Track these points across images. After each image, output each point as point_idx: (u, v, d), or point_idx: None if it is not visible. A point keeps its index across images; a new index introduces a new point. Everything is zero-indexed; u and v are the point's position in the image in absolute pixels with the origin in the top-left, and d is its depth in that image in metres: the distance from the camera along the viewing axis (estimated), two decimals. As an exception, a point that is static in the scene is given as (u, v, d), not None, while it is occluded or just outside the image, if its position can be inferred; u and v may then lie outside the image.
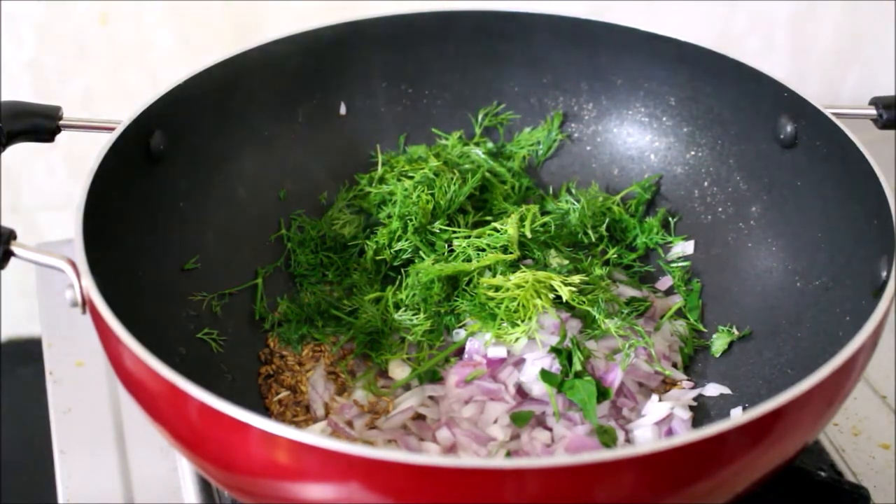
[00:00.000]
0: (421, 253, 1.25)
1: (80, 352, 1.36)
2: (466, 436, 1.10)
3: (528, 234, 1.23)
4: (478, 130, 1.41)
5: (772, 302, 1.22)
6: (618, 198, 1.35)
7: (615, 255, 1.30)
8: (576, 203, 1.32)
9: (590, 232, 1.30)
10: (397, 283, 1.25)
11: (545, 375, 1.13)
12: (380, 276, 1.27)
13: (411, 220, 1.26)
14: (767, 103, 1.24)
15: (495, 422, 1.11)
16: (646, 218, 1.35)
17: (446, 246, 1.25)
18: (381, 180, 1.34)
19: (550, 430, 1.11)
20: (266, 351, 1.22)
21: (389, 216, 1.29)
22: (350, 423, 1.13)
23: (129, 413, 1.29)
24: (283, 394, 1.17)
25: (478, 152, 1.36)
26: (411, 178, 1.30)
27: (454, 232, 1.26)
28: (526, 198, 1.37)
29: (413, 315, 1.20)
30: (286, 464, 0.85)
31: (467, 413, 1.12)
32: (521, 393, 1.14)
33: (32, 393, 1.39)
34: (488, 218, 1.29)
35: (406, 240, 1.25)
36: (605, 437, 1.09)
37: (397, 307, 1.21)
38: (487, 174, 1.34)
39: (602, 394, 1.12)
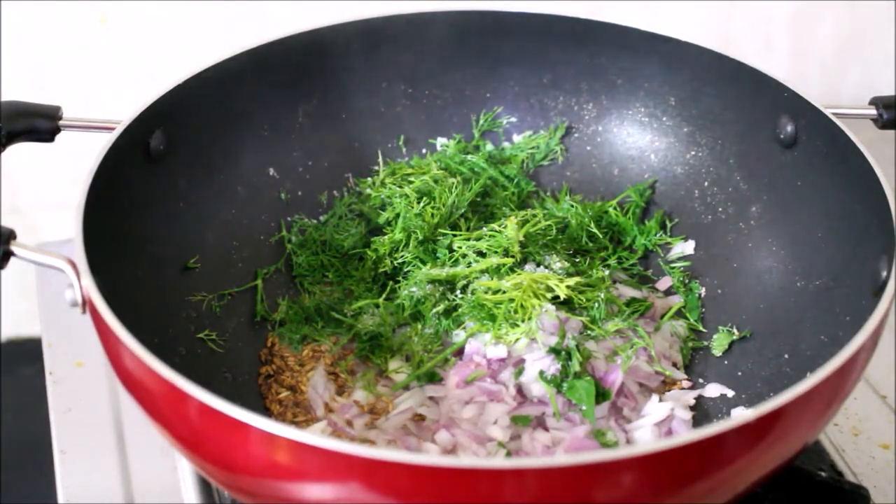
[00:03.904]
0: (420, 262, 1.25)
1: (80, 352, 1.36)
2: (466, 436, 1.10)
3: (524, 238, 1.23)
4: (476, 134, 1.41)
5: (772, 302, 1.22)
6: (615, 202, 1.35)
7: (615, 261, 1.30)
8: (576, 206, 1.32)
9: (594, 231, 1.30)
10: (389, 289, 1.25)
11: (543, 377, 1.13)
12: (378, 283, 1.27)
13: (415, 233, 1.26)
14: (767, 103, 1.24)
15: (495, 422, 1.11)
16: (645, 219, 1.35)
17: (448, 252, 1.25)
18: (382, 184, 1.34)
19: (551, 430, 1.11)
20: (266, 351, 1.22)
21: (389, 223, 1.29)
22: (350, 423, 1.13)
23: (129, 413, 1.29)
24: (284, 394, 1.17)
25: (481, 165, 1.36)
26: (412, 182, 1.30)
27: (455, 235, 1.26)
28: (526, 202, 1.37)
29: (412, 321, 1.21)
30: (286, 464, 0.85)
31: (467, 414, 1.12)
32: (522, 394, 1.14)
33: (32, 393, 1.39)
34: (490, 224, 1.30)
35: (409, 252, 1.25)
36: (604, 440, 1.09)
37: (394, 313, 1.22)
38: (488, 181, 1.35)
39: (602, 395, 1.12)
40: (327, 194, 1.36)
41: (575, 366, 1.13)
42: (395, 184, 1.32)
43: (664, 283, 1.31)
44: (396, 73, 1.38)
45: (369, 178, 1.36)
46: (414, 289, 1.21)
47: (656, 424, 1.12)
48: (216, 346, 1.18)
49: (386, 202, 1.31)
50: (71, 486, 1.20)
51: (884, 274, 1.02)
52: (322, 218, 1.35)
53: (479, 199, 1.33)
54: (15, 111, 1.15)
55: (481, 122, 1.41)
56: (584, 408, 1.11)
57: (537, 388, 1.13)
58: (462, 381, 1.14)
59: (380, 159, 1.38)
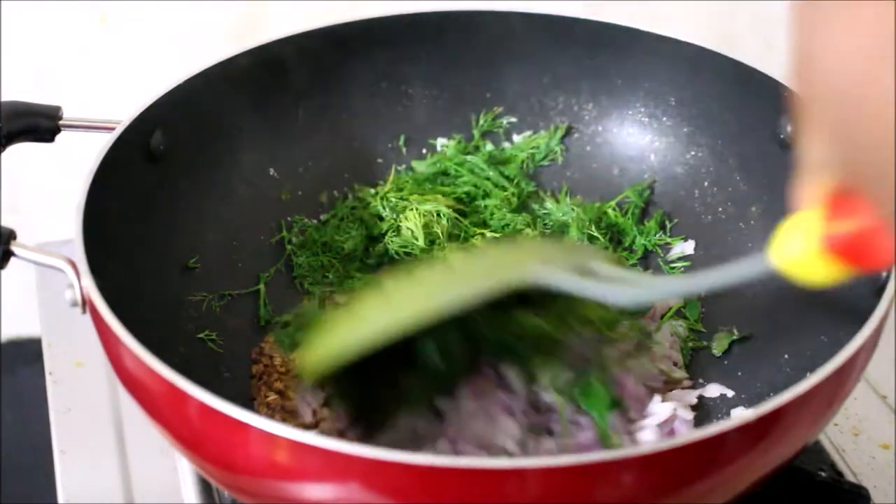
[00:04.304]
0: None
1: (80, 352, 1.36)
2: (472, 446, 1.07)
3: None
4: (476, 134, 1.41)
5: (772, 302, 1.22)
6: (614, 202, 1.35)
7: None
8: (574, 210, 1.32)
9: (594, 234, 1.30)
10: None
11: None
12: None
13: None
14: (767, 103, 1.24)
15: (506, 436, 1.09)
16: (644, 220, 1.35)
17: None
18: (385, 199, 1.33)
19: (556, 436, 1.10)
20: (257, 350, 1.21)
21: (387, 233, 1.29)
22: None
23: (129, 413, 1.29)
24: (272, 397, 1.16)
25: (481, 166, 1.36)
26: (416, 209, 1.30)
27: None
28: (526, 203, 1.36)
29: None
30: (286, 464, 0.85)
31: (476, 425, 1.10)
32: (533, 404, 1.12)
33: (32, 393, 1.39)
34: (491, 226, 1.29)
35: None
36: (609, 443, 1.08)
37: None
38: (487, 182, 1.35)
39: (615, 403, 1.10)
40: (327, 194, 1.36)
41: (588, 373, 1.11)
42: (398, 209, 1.31)
43: (664, 283, 1.31)
44: (396, 73, 1.38)
45: (372, 190, 1.36)
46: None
47: (659, 425, 1.12)
48: (216, 346, 1.18)
49: (386, 217, 1.31)
50: (71, 486, 1.20)
51: (884, 274, 1.02)
52: (322, 217, 1.35)
53: (477, 202, 1.33)
54: (15, 111, 1.15)
55: (481, 122, 1.41)
56: (595, 416, 1.09)
57: (549, 396, 1.12)
58: (472, 393, 1.12)
59: (391, 175, 1.37)
